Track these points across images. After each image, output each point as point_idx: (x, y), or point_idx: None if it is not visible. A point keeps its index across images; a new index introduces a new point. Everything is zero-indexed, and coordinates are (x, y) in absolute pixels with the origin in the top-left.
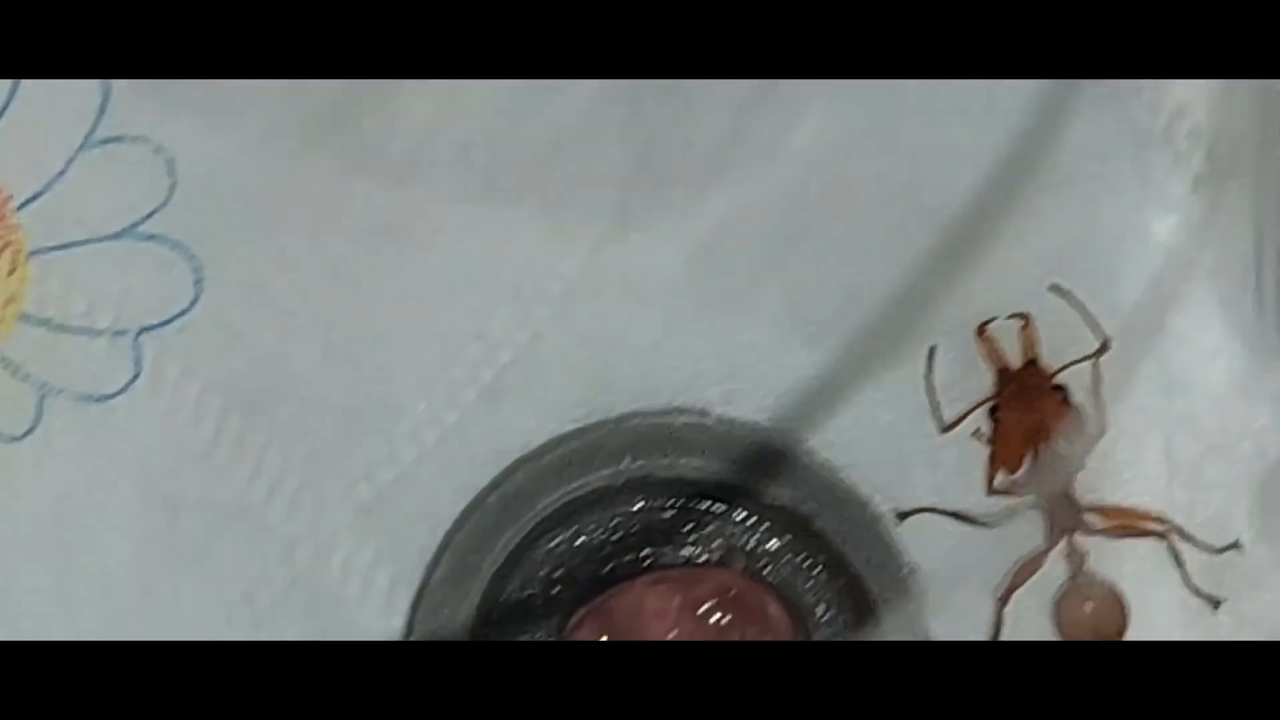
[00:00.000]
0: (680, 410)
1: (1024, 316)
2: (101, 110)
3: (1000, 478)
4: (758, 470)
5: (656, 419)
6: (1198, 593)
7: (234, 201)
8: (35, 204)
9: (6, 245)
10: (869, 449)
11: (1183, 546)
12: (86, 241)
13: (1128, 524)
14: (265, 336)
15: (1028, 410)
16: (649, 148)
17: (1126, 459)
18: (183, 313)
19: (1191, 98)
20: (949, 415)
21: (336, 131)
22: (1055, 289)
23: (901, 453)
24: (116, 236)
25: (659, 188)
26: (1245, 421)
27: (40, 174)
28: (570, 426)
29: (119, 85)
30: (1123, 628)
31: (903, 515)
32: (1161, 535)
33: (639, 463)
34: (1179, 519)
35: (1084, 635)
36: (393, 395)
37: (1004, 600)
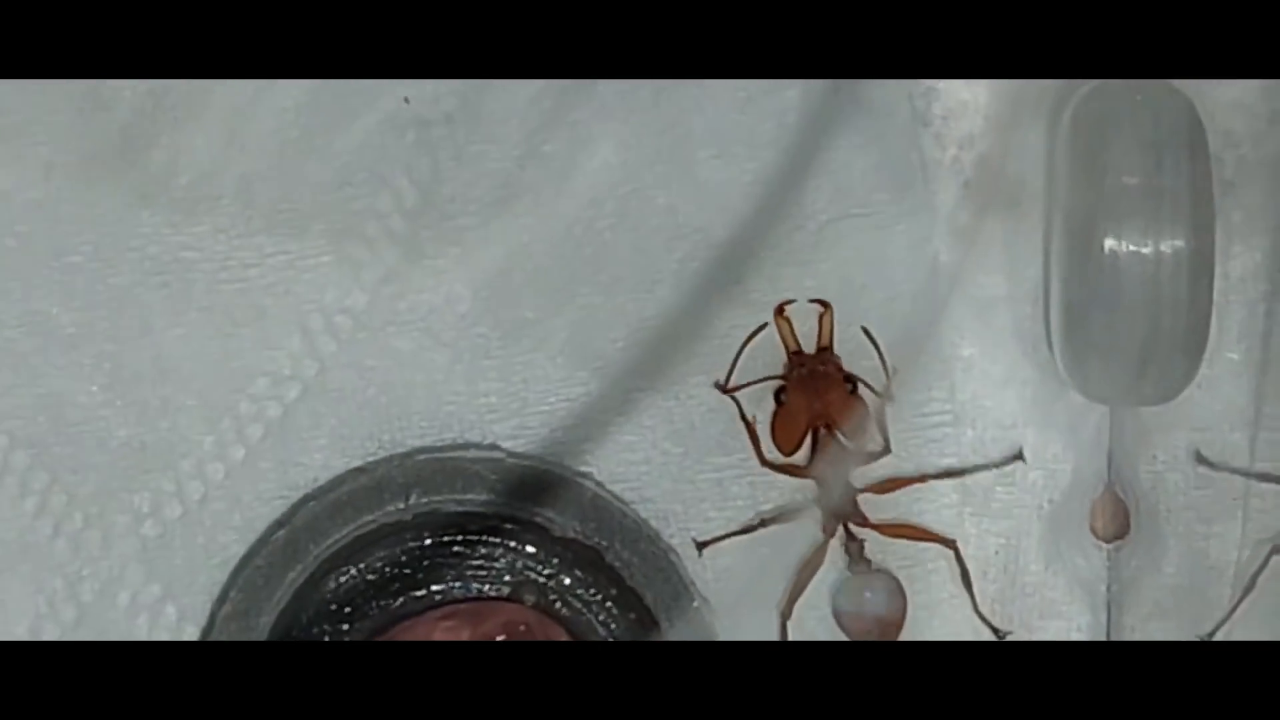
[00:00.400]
0: (469, 445)
1: (824, 303)
2: None
3: (774, 456)
4: (547, 504)
5: (445, 454)
6: (984, 620)
7: (17, 234)
8: None
9: None
10: (659, 481)
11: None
12: None
13: (912, 530)
14: (50, 371)
15: (814, 395)
16: (436, 179)
17: (918, 487)
18: None
19: (979, 129)
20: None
21: (122, 164)
22: (865, 331)
23: (693, 485)
24: None
25: (447, 219)
26: (1036, 450)
27: None
28: (358, 461)
29: None
30: (902, 615)
31: (701, 545)
32: (948, 545)
33: (427, 498)
34: (969, 549)
35: (863, 626)
36: (179, 431)
37: (787, 612)
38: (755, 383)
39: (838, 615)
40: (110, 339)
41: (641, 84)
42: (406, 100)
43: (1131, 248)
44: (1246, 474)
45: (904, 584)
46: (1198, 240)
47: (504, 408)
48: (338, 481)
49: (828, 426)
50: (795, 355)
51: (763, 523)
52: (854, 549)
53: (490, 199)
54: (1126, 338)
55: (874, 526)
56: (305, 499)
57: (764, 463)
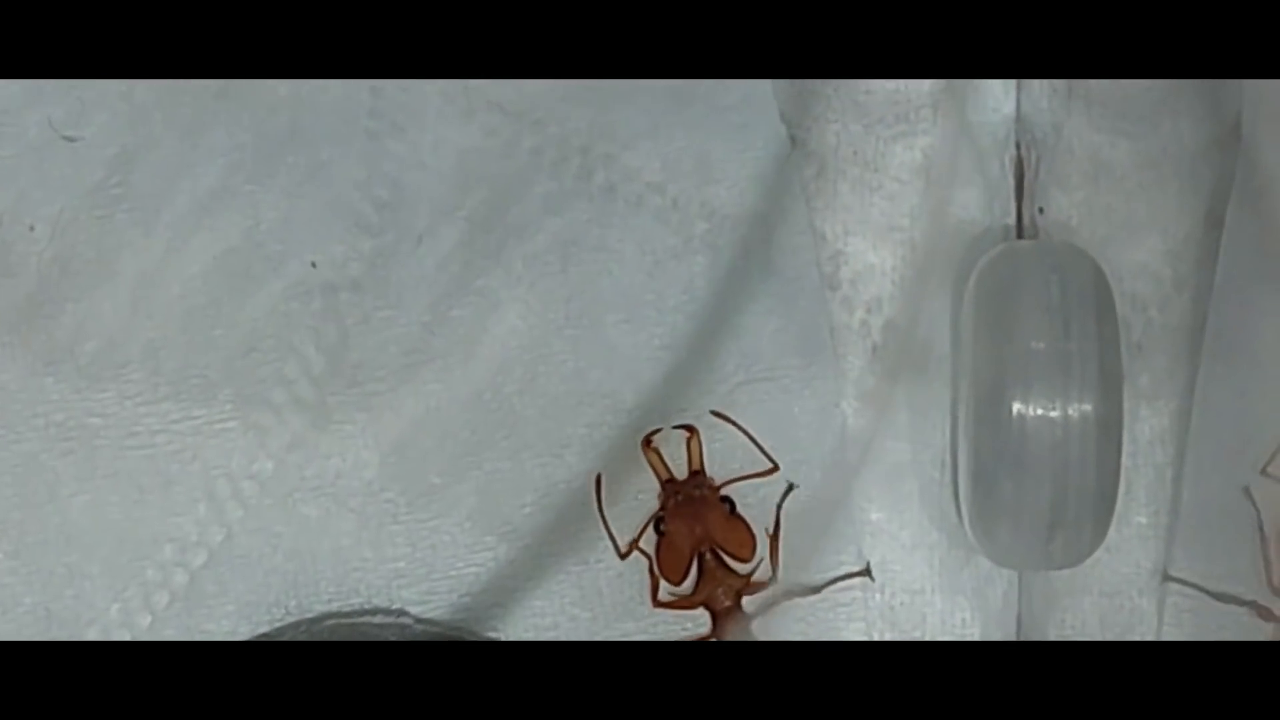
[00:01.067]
0: (376, 610)
1: (689, 428)
2: None
3: (665, 590)
4: None
5: (352, 620)
6: (832, 580)
7: None
8: None
9: None
10: None
11: None
12: None
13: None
14: None
15: (694, 520)
16: (344, 345)
17: None
18: None
19: (886, 293)
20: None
21: (27, 330)
22: (716, 414)
23: None
24: None
25: (354, 385)
26: (944, 616)
27: None
28: (265, 628)
29: None
30: None
31: None
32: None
33: None
34: None
35: None
36: (84, 598)
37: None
38: (643, 529)
39: None
40: (15, 506)
41: (550, 249)
42: (314, 265)
43: (1039, 411)
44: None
45: None
46: (1106, 404)
47: (411, 573)
48: None
49: (712, 551)
50: (669, 483)
51: None
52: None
53: (397, 365)
54: (1034, 502)
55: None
56: None
57: (656, 604)
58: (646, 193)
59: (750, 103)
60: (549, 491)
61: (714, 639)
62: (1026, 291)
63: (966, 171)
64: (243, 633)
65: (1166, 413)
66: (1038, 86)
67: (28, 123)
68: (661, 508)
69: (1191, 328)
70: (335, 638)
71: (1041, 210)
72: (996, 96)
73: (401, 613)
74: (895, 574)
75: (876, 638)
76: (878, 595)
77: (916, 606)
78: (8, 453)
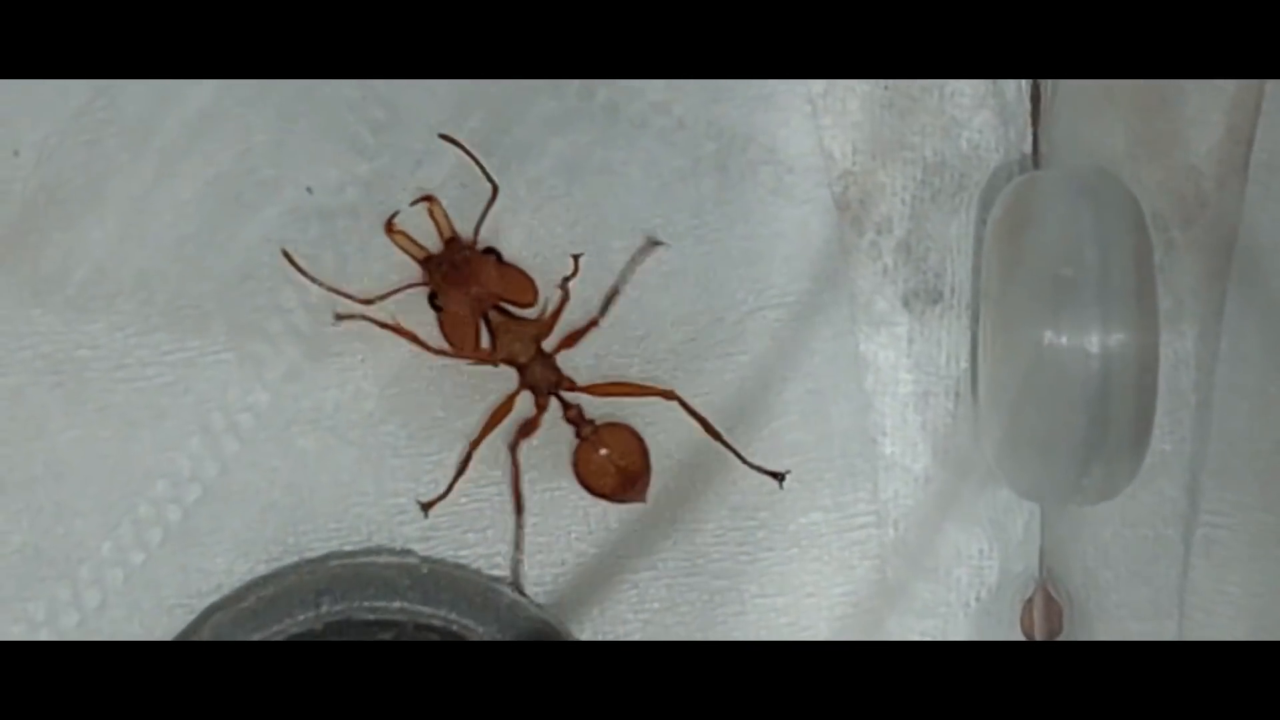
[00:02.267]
0: (381, 550)
1: (428, 198)
2: None
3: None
4: (462, 610)
5: (357, 559)
6: (754, 466)
7: None
8: None
9: None
10: (573, 584)
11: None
12: None
13: (620, 387)
14: None
15: (466, 284)
16: (341, 272)
17: (842, 583)
18: None
19: (896, 213)
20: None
21: (13, 260)
22: (444, 137)
23: (609, 586)
24: None
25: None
26: (960, 547)
27: None
28: (263, 567)
29: None
30: (644, 456)
31: (426, 506)
32: (667, 396)
33: (339, 605)
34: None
35: (610, 481)
36: (75, 535)
37: (474, 445)
38: (397, 290)
39: (584, 483)
40: (3, 441)
41: (553, 172)
42: (309, 190)
43: (1073, 341)
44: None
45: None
46: (1144, 333)
47: (413, 509)
48: (245, 590)
49: (495, 308)
50: (427, 260)
51: (477, 440)
52: (573, 415)
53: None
54: (1068, 435)
55: (584, 389)
56: (212, 609)
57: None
58: (651, 113)
59: None
60: (553, 423)
61: (526, 391)
62: (1056, 220)
63: (979, 93)
64: (240, 571)
65: (1190, 336)
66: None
67: None
68: (427, 282)
69: (1216, 246)
70: (339, 578)
71: (1069, 140)
72: None
73: (407, 552)
74: (909, 508)
75: (890, 574)
76: (891, 530)
77: (931, 540)
78: None
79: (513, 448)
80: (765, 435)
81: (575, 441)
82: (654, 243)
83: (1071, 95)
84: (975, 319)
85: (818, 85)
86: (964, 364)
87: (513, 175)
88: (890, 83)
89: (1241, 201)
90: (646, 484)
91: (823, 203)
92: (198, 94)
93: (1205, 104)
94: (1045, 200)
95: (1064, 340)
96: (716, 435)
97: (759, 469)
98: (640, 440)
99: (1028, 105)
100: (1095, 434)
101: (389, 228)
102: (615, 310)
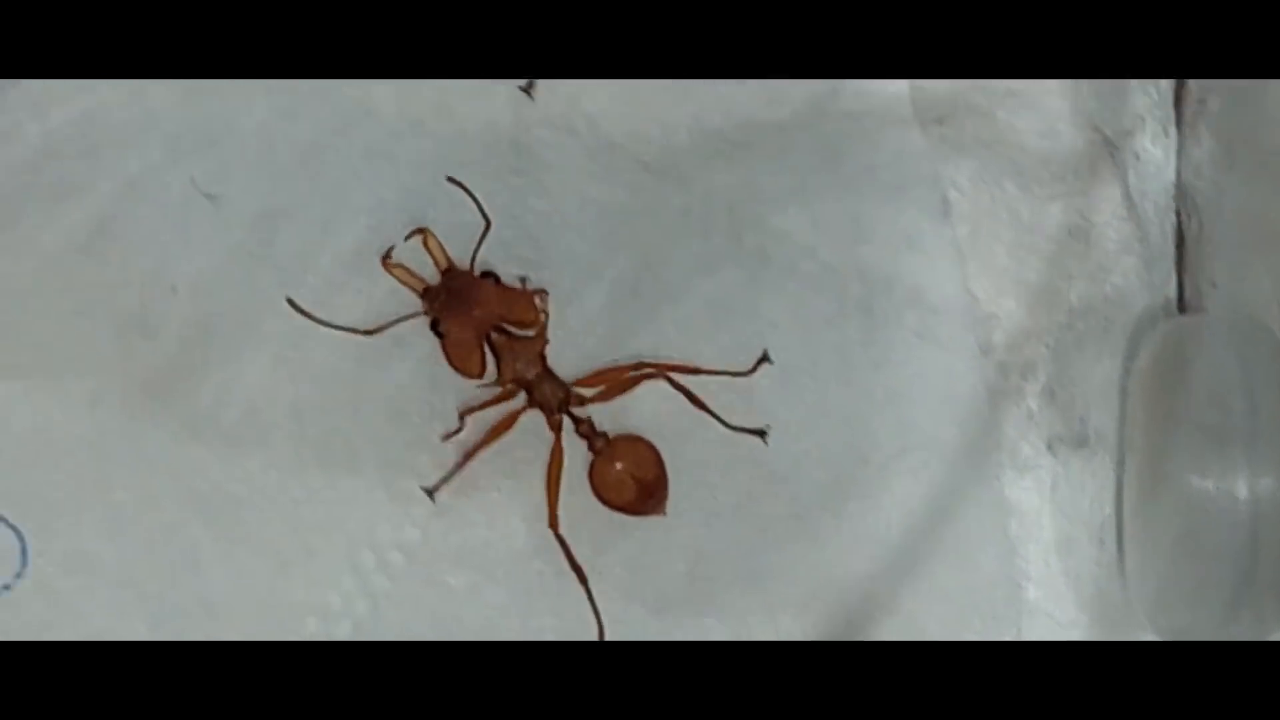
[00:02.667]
0: None
1: (421, 231)
2: None
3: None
4: None
5: None
6: (735, 428)
7: (61, 468)
8: None
9: None
10: None
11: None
12: None
13: (615, 380)
14: (93, 611)
15: (466, 308)
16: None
17: None
18: (7, 586)
19: (1041, 358)
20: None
21: (169, 395)
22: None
23: None
24: None
25: (500, 450)
26: None
27: None
28: None
29: None
30: (660, 466)
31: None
32: (655, 376)
33: None
34: None
35: (629, 493)
36: None
37: (554, 522)
38: (396, 322)
39: (602, 498)
40: (155, 576)
41: (701, 313)
42: None
43: (1221, 488)
44: None
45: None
46: None
47: None
48: None
49: (496, 329)
50: (427, 290)
51: (472, 452)
52: (585, 429)
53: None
54: (1216, 582)
55: (590, 400)
56: None
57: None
58: (798, 256)
59: (901, 161)
60: (699, 559)
61: (534, 409)
62: (1204, 367)
63: (1125, 237)
64: None
65: None
66: (1197, 152)
67: (170, 181)
68: (428, 311)
69: None
70: None
71: (1215, 284)
72: (1157, 162)
73: None
74: None
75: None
76: None
77: None
78: (149, 521)
79: (552, 523)
80: (909, 579)
81: (590, 456)
82: (765, 359)
83: (1217, 239)
84: (1120, 464)
85: (963, 228)
86: (1108, 509)
87: (662, 317)
88: (1035, 224)
89: None
90: (664, 495)
91: (968, 347)
92: (352, 230)
93: None
94: (1192, 346)
95: (1211, 486)
96: (700, 404)
97: (742, 429)
98: (654, 450)
99: (1173, 250)
100: (1244, 578)
101: (386, 261)
102: (759, 448)
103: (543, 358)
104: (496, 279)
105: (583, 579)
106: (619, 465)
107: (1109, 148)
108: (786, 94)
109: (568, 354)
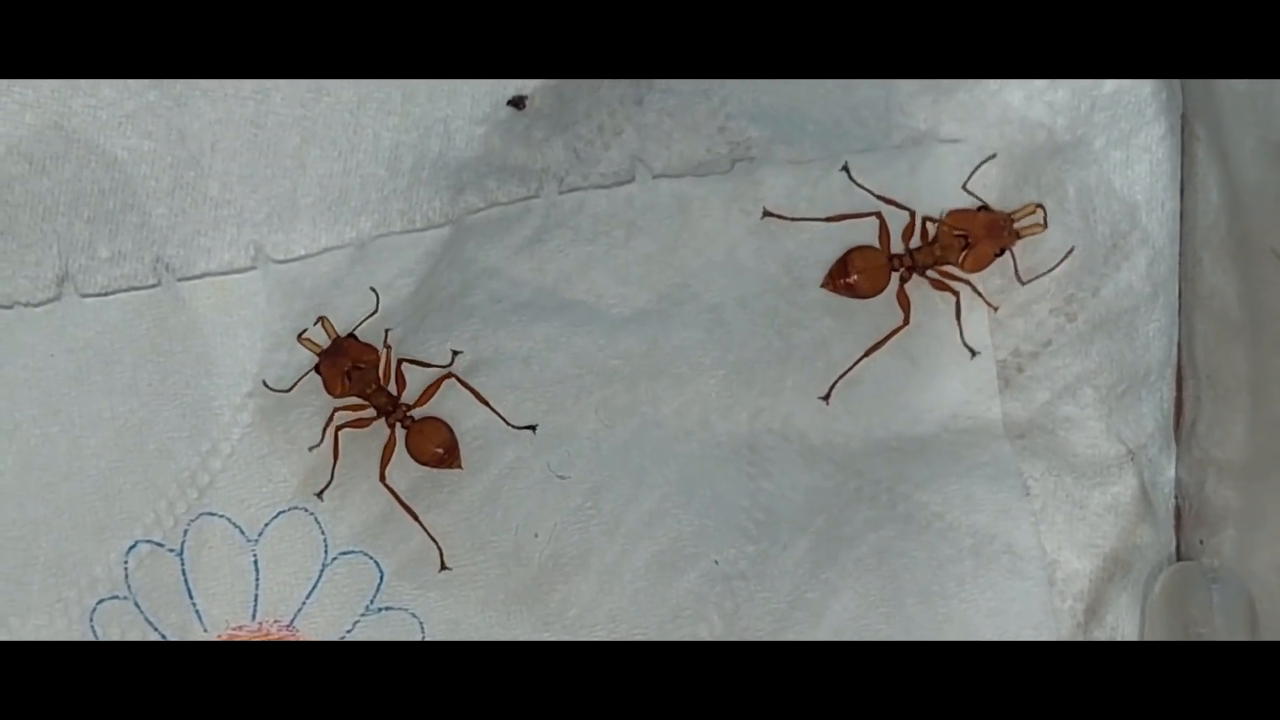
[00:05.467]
0: None
1: (321, 319)
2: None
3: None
4: None
5: None
6: (513, 425)
7: None
8: None
9: None
10: None
11: None
12: None
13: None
14: None
15: (336, 356)
16: (736, 613)
17: None
18: None
19: (1086, 589)
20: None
21: (530, 601)
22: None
23: None
24: None
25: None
26: None
27: None
28: None
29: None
30: (451, 434)
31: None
32: (446, 377)
33: None
34: None
35: (431, 454)
36: None
37: (381, 478)
38: (306, 374)
39: (415, 459)
40: None
41: (870, 555)
42: (716, 562)
43: None
44: None
45: None
46: None
47: None
48: None
49: (354, 366)
50: (321, 353)
51: (380, 474)
52: (400, 414)
53: (769, 631)
54: None
55: (410, 405)
56: None
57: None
58: (931, 519)
59: (998, 462)
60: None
61: (400, 421)
62: (1195, 599)
63: (1143, 512)
64: None
65: None
66: (1189, 459)
67: (533, 465)
68: (319, 363)
69: None
70: None
71: (1202, 542)
72: (1161, 465)
73: None
74: None
75: None
76: None
77: None
78: None
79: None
80: None
81: (404, 432)
82: None
83: (1206, 517)
84: None
85: (1037, 504)
86: None
87: (843, 556)
88: (1084, 504)
89: None
90: (457, 455)
91: (1040, 582)
92: (649, 497)
93: None
94: (1185, 585)
95: None
96: (485, 403)
97: (515, 426)
98: (447, 425)
99: (1173, 521)
100: None
101: (300, 338)
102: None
103: (378, 380)
104: (355, 338)
105: (414, 515)
106: (424, 434)
107: (1130, 455)
108: (921, 416)
109: (784, 580)
